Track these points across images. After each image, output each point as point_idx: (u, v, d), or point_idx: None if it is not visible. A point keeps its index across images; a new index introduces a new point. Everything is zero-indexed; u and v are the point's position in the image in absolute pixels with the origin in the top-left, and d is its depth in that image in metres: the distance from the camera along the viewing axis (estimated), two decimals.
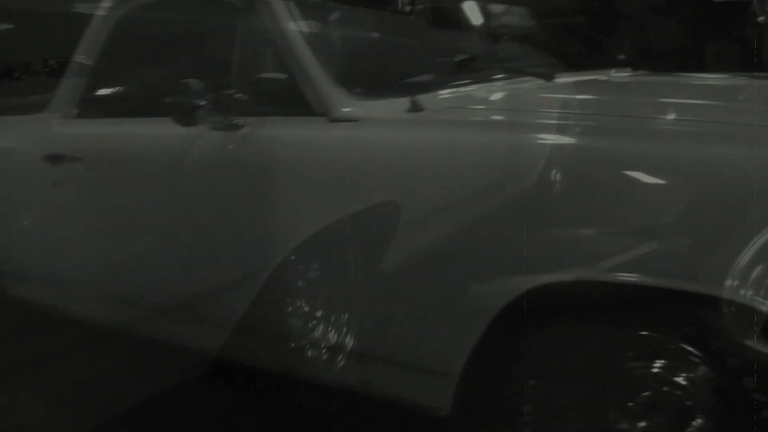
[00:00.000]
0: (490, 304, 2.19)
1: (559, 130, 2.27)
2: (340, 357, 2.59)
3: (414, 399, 2.51)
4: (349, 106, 2.61)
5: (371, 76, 2.87)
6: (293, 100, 2.67)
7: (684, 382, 2.08)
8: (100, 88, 3.51)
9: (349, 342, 2.55)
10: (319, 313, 2.65)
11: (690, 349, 2.03)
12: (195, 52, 3.13)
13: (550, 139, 2.24)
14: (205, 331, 3.01)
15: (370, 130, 2.52)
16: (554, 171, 2.11)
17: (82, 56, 3.52)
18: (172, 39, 3.23)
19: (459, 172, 2.30)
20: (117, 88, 3.51)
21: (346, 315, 2.55)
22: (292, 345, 2.72)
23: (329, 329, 2.60)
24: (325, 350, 2.65)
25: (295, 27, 2.76)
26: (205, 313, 2.99)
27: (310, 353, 2.69)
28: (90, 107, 3.47)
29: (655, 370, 2.11)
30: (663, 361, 2.10)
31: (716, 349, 1.96)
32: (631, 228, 2.02)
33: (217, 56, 2.98)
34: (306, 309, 2.67)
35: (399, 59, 3.05)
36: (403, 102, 2.62)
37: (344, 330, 2.56)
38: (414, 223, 2.34)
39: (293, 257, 2.62)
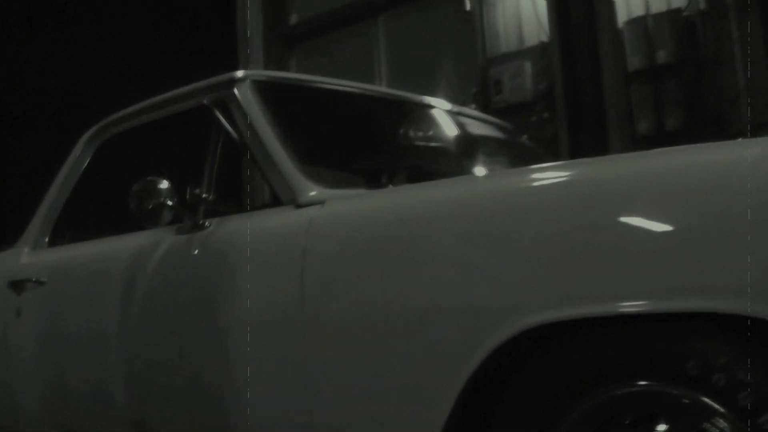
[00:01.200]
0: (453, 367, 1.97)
1: None
2: None
3: None
4: (314, 191, 2.50)
5: (338, 164, 2.78)
6: (260, 194, 2.57)
7: None
8: (72, 216, 3.42)
9: None
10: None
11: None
12: (166, 159, 3.05)
13: None
14: None
15: (336, 207, 2.40)
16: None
17: (57, 187, 3.46)
18: (144, 153, 3.19)
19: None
20: (88, 213, 3.41)
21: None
22: None
23: (283, 424, 2.36)
24: None
25: (263, 121, 2.68)
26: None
27: None
28: (61, 235, 3.40)
29: None
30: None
31: (723, 385, 1.72)
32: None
33: (186, 158, 2.90)
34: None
35: (365, 147, 2.95)
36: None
37: (302, 424, 2.32)
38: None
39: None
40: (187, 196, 2.66)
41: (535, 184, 2.13)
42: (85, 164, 3.41)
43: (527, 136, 3.92)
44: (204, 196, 2.68)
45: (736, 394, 1.70)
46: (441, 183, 2.45)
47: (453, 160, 3.28)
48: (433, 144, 3.31)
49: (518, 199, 2.07)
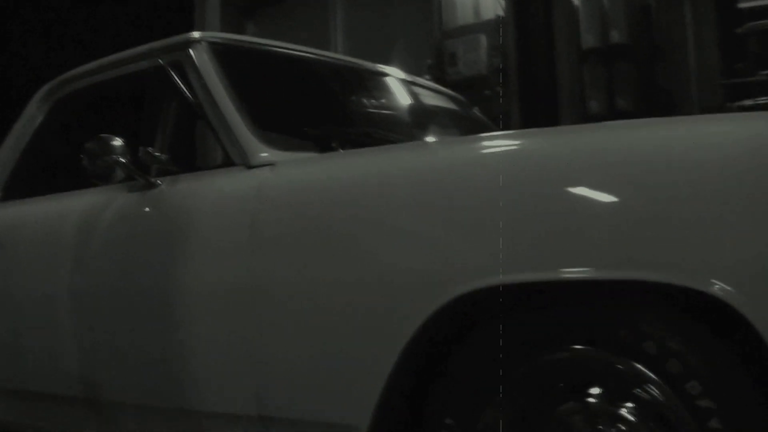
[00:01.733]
0: (401, 327, 2.01)
1: None
2: (242, 425, 2.38)
3: None
4: (266, 152, 2.52)
5: (291, 128, 2.81)
6: (213, 154, 2.58)
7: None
8: (26, 173, 3.41)
9: (251, 406, 2.34)
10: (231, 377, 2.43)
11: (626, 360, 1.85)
12: (120, 117, 3.06)
13: None
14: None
15: (286, 170, 2.43)
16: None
17: (9, 145, 3.45)
18: (100, 111, 3.19)
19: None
20: (43, 170, 3.40)
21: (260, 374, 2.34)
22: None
23: (235, 393, 2.39)
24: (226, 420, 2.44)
25: (217, 82, 2.69)
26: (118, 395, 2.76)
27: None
28: (14, 192, 3.38)
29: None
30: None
31: (653, 354, 1.79)
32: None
33: (141, 117, 2.91)
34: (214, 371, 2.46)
35: (319, 113, 2.97)
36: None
37: (248, 391, 2.35)
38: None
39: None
40: (140, 155, 2.66)
41: (482, 152, 2.18)
42: (39, 121, 3.39)
43: (479, 109, 3.95)
44: (156, 155, 2.69)
45: (665, 361, 1.76)
46: (389, 149, 2.48)
47: (405, 128, 3.31)
48: (385, 112, 3.33)
49: (463, 166, 2.11)
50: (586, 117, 6.12)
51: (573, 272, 1.82)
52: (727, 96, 5.89)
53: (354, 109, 3.25)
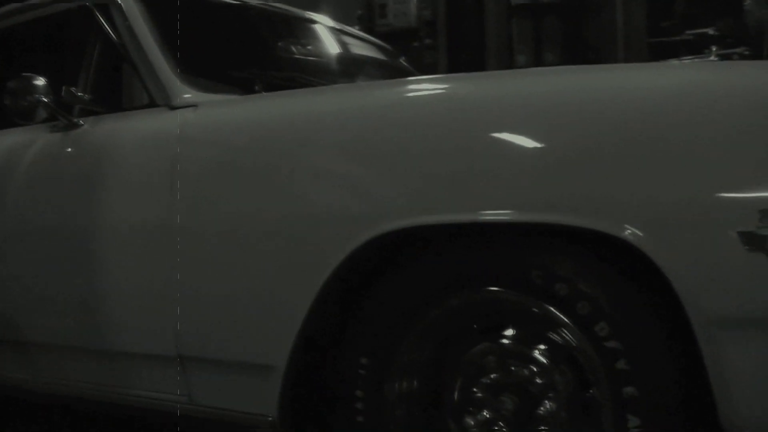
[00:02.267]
0: (319, 266, 2.04)
1: None
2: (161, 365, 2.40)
3: (238, 407, 2.29)
4: (189, 94, 2.52)
5: (215, 71, 2.80)
6: (136, 94, 2.57)
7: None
8: None
9: (171, 346, 2.36)
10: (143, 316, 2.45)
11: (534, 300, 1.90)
12: (45, 58, 3.02)
13: None
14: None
15: (209, 110, 2.44)
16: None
17: None
18: (25, 51, 3.14)
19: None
20: None
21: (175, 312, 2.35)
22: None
23: (154, 333, 2.40)
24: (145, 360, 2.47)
25: (142, 23, 2.68)
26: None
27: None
28: None
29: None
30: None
31: (563, 296, 1.83)
32: None
33: (65, 58, 2.88)
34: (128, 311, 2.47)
35: (244, 56, 2.97)
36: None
37: (167, 332, 2.36)
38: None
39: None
40: (63, 95, 2.64)
41: (406, 95, 2.21)
42: None
43: (406, 59, 3.97)
44: (79, 95, 2.67)
45: (575, 303, 1.81)
46: (313, 91, 2.50)
47: (331, 75, 3.31)
48: (312, 58, 3.32)
49: (387, 108, 2.14)
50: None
51: (491, 214, 1.86)
52: (653, 54, 5.98)
53: (280, 55, 3.24)
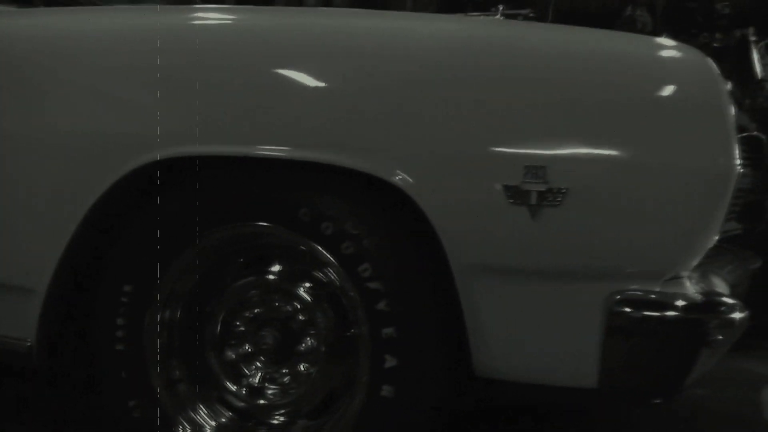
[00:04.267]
0: (86, 189, 1.98)
1: None
2: None
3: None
4: None
5: None
6: None
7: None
8: None
9: None
10: None
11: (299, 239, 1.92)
12: None
13: None
14: None
15: None
16: None
17: None
18: None
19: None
20: None
21: None
22: None
23: None
24: None
25: None
26: None
27: None
28: None
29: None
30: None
31: (329, 235, 1.86)
32: None
33: None
34: None
35: None
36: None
37: None
38: None
39: None
40: None
41: (194, 21, 2.16)
42: None
43: None
44: None
45: (340, 243, 1.85)
46: (92, 9, 2.41)
47: None
48: None
49: (169, 32, 2.07)
50: None
51: (265, 149, 1.86)
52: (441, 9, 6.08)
53: None
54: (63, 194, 2.03)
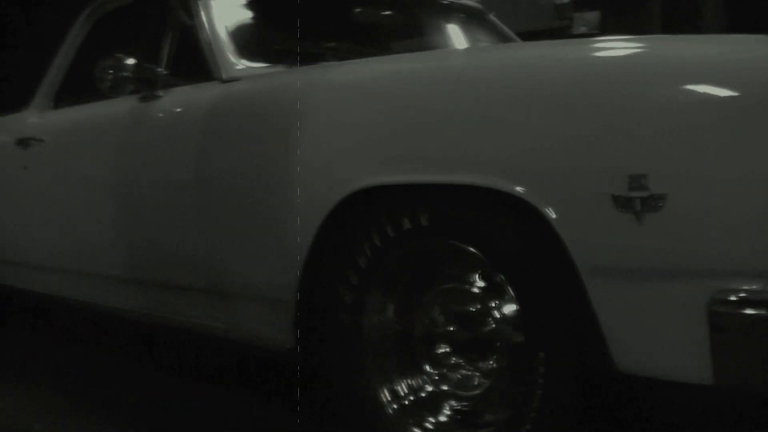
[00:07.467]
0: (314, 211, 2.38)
1: None
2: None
3: (259, 334, 2.70)
4: (239, 67, 2.91)
5: (263, 48, 3.14)
6: (200, 69, 2.94)
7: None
8: (71, 82, 3.87)
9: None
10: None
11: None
12: (138, 40, 3.42)
13: None
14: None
15: (248, 84, 2.80)
16: None
17: (60, 58, 3.94)
18: (124, 33, 3.57)
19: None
20: (82, 80, 3.79)
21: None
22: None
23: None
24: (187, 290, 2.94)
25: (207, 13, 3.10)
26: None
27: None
28: (63, 99, 3.86)
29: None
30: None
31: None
32: None
33: (151, 41, 3.25)
34: None
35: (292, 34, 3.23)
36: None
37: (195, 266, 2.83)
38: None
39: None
40: (145, 70, 3.04)
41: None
42: (84, 37, 3.84)
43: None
44: (156, 69, 3.06)
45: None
46: (333, 65, 2.77)
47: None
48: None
49: (371, 83, 2.45)
50: None
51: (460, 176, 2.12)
52: None
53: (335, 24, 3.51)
54: (297, 216, 2.43)
